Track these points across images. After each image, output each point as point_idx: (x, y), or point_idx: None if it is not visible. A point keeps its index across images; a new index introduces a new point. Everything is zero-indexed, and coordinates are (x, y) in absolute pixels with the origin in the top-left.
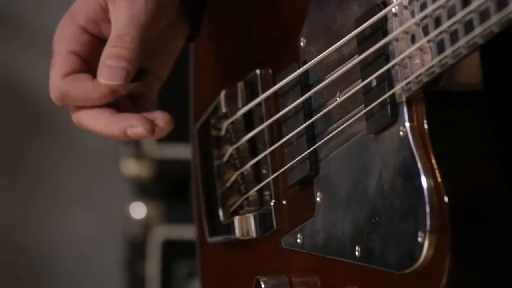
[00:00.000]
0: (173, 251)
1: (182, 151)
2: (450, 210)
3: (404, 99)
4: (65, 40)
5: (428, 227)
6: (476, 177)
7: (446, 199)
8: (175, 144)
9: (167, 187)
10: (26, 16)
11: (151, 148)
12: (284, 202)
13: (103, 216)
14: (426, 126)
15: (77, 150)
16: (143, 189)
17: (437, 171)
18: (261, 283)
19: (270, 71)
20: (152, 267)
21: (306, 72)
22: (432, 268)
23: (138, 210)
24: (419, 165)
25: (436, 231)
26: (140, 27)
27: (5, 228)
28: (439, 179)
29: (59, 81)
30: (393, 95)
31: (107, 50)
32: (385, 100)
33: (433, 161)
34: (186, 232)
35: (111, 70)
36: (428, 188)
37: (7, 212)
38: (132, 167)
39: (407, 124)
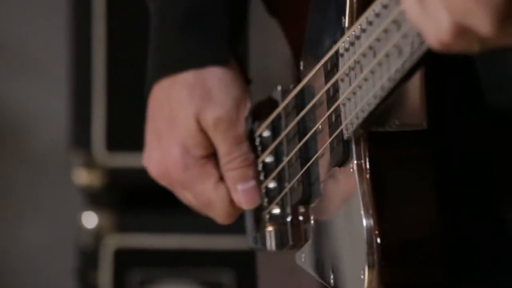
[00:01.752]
0: (126, 260)
1: (133, 160)
2: (383, 250)
3: (352, 137)
4: (201, 178)
5: (366, 265)
6: (412, 217)
7: (378, 240)
8: (126, 152)
9: (118, 196)
10: None
11: (102, 157)
12: (300, 218)
13: (55, 225)
14: (368, 165)
15: (28, 160)
16: (94, 198)
17: (375, 211)
18: None
19: (291, 86)
20: (105, 276)
21: (302, 96)
22: None
23: (90, 220)
24: (361, 203)
25: (373, 269)
26: (242, 139)
27: None
28: (376, 219)
29: (230, 208)
30: (341, 132)
31: (230, 175)
32: (338, 136)
33: (372, 200)
34: (139, 240)
35: (246, 195)
36: (367, 228)
37: None
38: (83, 176)
39: (355, 162)
